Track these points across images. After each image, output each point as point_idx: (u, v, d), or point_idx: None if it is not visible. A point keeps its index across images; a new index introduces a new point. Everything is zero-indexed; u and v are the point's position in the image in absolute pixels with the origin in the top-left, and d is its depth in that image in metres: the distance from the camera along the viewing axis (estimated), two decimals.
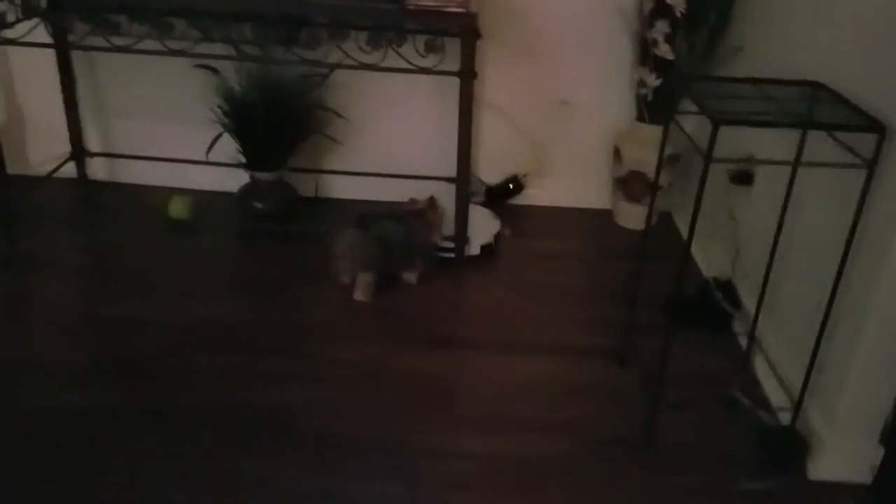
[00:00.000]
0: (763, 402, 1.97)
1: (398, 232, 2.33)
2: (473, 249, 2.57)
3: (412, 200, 2.47)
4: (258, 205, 2.68)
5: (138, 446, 1.74)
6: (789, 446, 1.78)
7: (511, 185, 2.94)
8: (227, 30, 2.41)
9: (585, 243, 2.75)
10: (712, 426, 1.89)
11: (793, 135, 1.81)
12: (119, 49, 2.34)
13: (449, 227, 2.51)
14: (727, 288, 2.29)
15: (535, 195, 2.98)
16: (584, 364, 2.10)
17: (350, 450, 1.76)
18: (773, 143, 2.06)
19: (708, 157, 1.56)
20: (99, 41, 2.36)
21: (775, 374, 1.96)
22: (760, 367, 2.07)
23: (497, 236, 2.66)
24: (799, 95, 1.74)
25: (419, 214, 2.43)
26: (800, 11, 2.06)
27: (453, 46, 2.32)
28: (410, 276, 2.42)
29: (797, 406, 1.79)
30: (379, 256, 2.30)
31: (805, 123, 1.68)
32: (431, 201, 2.46)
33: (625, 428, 1.87)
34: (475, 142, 2.80)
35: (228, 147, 2.69)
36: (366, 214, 2.35)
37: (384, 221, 2.33)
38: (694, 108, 1.72)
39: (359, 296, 2.30)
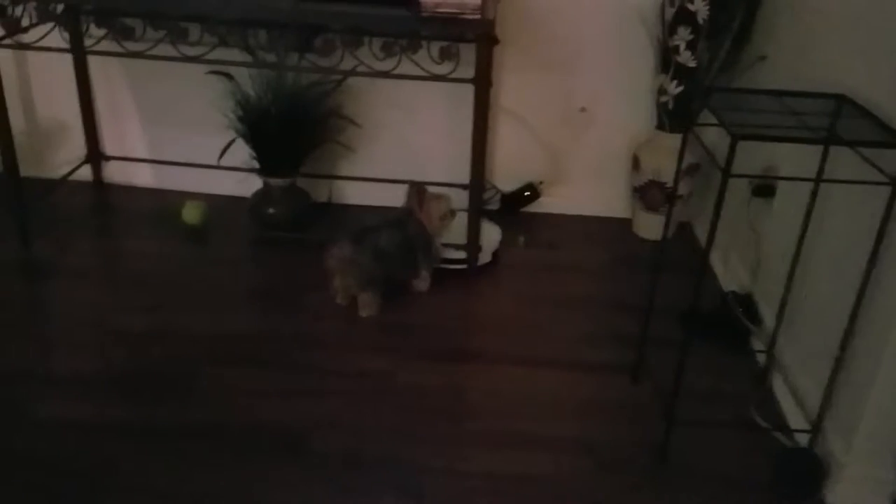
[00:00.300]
0: (780, 423, 1.92)
1: (393, 239, 2.25)
2: (484, 258, 2.53)
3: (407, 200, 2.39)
4: (271, 210, 2.66)
5: (143, 464, 1.72)
6: (807, 470, 1.73)
7: (527, 193, 2.90)
8: (242, 36, 2.39)
9: (601, 253, 2.70)
10: (727, 446, 1.84)
11: (816, 147, 1.76)
12: (134, 54, 2.33)
13: (461, 235, 2.47)
14: (746, 302, 2.24)
15: (552, 203, 2.94)
16: (597, 378, 2.06)
17: (358, 467, 1.74)
18: (797, 155, 2.00)
19: (726, 172, 1.51)
20: (114, 46, 2.36)
21: (793, 394, 1.91)
22: (778, 386, 2.01)
23: (498, 248, 2.59)
24: (822, 108, 1.69)
25: (409, 213, 2.34)
26: (825, 21, 2.00)
27: (469, 52, 2.28)
28: (420, 284, 2.38)
29: (816, 428, 1.74)
30: (377, 270, 2.23)
31: (827, 139, 1.63)
32: (417, 193, 2.34)
33: (638, 446, 1.82)
34: (491, 148, 2.76)
35: (242, 152, 2.68)
36: (358, 227, 2.26)
37: (377, 232, 2.24)
38: (713, 118, 1.69)
39: (364, 313, 2.26)
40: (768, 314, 2.15)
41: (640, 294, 2.43)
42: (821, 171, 1.79)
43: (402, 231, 2.29)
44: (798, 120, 1.60)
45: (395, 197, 2.85)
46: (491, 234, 2.64)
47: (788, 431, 1.87)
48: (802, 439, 1.81)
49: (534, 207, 2.93)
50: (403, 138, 2.85)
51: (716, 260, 2.59)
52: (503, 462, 1.77)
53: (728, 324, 2.22)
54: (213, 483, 1.68)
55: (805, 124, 1.59)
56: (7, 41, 2.33)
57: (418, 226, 2.33)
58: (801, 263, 1.91)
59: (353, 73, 2.35)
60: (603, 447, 1.82)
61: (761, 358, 2.11)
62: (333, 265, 2.23)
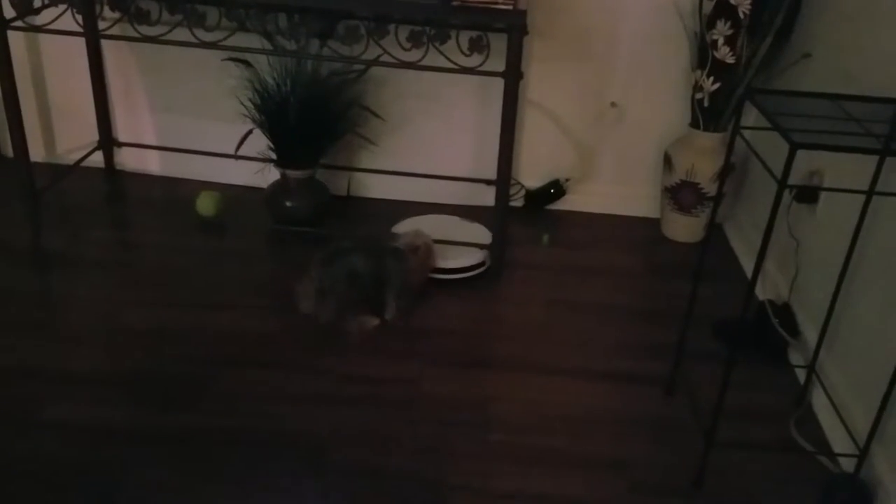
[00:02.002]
0: (823, 445, 1.82)
1: (368, 267, 2.11)
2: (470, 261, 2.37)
3: (401, 236, 2.26)
4: (288, 203, 2.56)
5: (153, 471, 1.64)
6: (852, 498, 1.63)
7: (552, 190, 2.80)
8: (262, 21, 2.30)
9: (630, 255, 2.60)
10: (765, 469, 1.75)
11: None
12: (149, 39, 2.24)
13: (485, 236, 2.38)
14: (784, 313, 2.13)
15: (578, 201, 2.83)
16: (629, 391, 1.97)
17: (378, 482, 1.65)
18: (843, 161, 1.90)
19: (782, 183, 1.41)
20: (129, 30, 2.26)
21: (838, 414, 1.81)
22: (820, 406, 1.91)
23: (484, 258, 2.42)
24: (881, 114, 1.57)
25: (399, 253, 2.18)
26: (877, 16, 1.89)
27: (497, 43, 2.18)
28: (386, 312, 2.18)
29: (862, 453, 1.65)
30: (352, 296, 2.10)
31: (890, 150, 1.52)
32: (423, 244, 2.23)
33: (673, 467, 1.73)
34: (516, 143, 2.66)
35: (259, 142, 2.59)
36: (333, 248, 2.14)
37: (353, 255, 2.11)
38: (753, 117, 1.59)
39: (352, 336, 2.09)
40: (808, 326, 2.05)
41: (669, 299, 2.35)
42: (875, 181, 1.68)
43: (379, 263, 2.13)
44: (856, 126, 1.49)
45: (416, 191, 2.77)
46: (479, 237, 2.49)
47: (832, 455, 1.77)
48: (848, 464, 1.71)
49: (559, 205, 2.83)
50: (426, 131, 2.75)
51: (750, 266, 2.49)
52: (531, 480, 1.68)
53: (764, 335, 2.12)
54: (225, 494, 1.59)
55: (866, 131, 1.48)
56: (18, 23, 2.24)
57: (402, 267, 2.16)
58: (847, 275, 1.80)
59: (377, 62, 2.24)
60: (636, 467, 1.73)
61: (800, 373, 2.01)
62: (309, 288, 2.10)
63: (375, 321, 2.13)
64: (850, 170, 1.89)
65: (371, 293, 2.14)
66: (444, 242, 2.36)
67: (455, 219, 2.59)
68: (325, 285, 2.09)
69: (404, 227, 2.46)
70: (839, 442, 1.79)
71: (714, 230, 2.73)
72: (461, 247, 2.38)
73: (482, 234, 2.47)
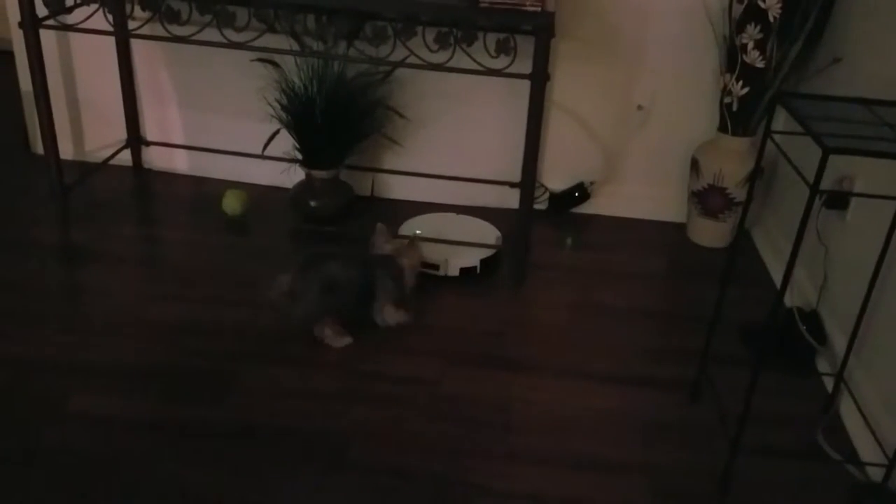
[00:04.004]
0: (850, 454, 1.79)
1: (346, 275, 2.02)
2: (451, 270, 2.35)
3: (388, 240, 2.19)
4: (312, 203, 2.58)
5: (175, 465, 1.65)
6: None
7: (577, 193, 2.78)
8: (290, 22, 2.31)
9: (655, 260, 2.58)
10: (792, 477, 1.73)
11: None
12: (179, 39, 2.26)
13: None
14: (812, 319, 2.11)
15: (603, 204, 2.82)
16: (653, 395, 1.95)
17: (399, 481, 1.65)
18: (874, 166, 1.87)
19: (814, 188, 1.39)
20: (159, 29, 2.28)
21: (866, 422, 1.78)
22: (848, 414, 1.88)
23: (494, 255, 2.41)
24: None
25: (388, 260, 2.13)
26: None
27: (524, 45, 2.17)
28: (387, 319, 2.12)
29: (891, 463, 1.62)
30: (322, 305, 2.00)
31: None
32: (409, 244, 2.17)
33: (697, 473, 1.72)
34: (540, 145, 2.65)
35: (285, 143, 2.60)
36: (314, 253, 2.05)
37: (330, 263, 2.01)
38: (782, 121, 1.56)
39: (338, 344, 2.04)
40: (836, 334, 2.03)
41: (694, 304, 2.33)
42: None
43: (362, 267, 2.06)
44: (888, 131, 1.47)
45: (439, 193, 2.77)
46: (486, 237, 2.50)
47: (860, 464, 1.75)
48: (876, 473, 1.69)
49: (583, 208, 2.82)
50: (451, 132, 2.75)
51: (777, 272, 2.46)
52: (552, 482, 1.67)
53: (791, 341, 2.09)
54: (246, 489, 1.60)
55: None
56: (50, 21, 2.27)
57: (388, 272, 2.11)
58: (877, 282, 1.78)
59: (404, 64, 2.25)
60: (660, 472, 1.72)
61: (828, 381, 1.98)
62: (277, 293, 2.02)
63: (348, 339, 2.05)
64: (882, 175, 1.87)
65: (349, 303, 2.04)
66: (451, 242, 2.37)
67: (454, 215, 2.64)
68: (296, 288, 2.00)
69: (407, 225, 2.49)
70: (867, 451, 1.77)
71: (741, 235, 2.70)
72: (469, 244, 2.41)
73: (489, 231, 2.52)
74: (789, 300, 2.28)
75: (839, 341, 1.98)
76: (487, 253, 2.40)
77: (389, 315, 2.12)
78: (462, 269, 2.36)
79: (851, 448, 1.81)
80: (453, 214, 2.64)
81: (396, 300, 2.12)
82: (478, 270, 2.38)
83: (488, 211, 2.73)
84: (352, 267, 2.04)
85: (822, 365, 2.05)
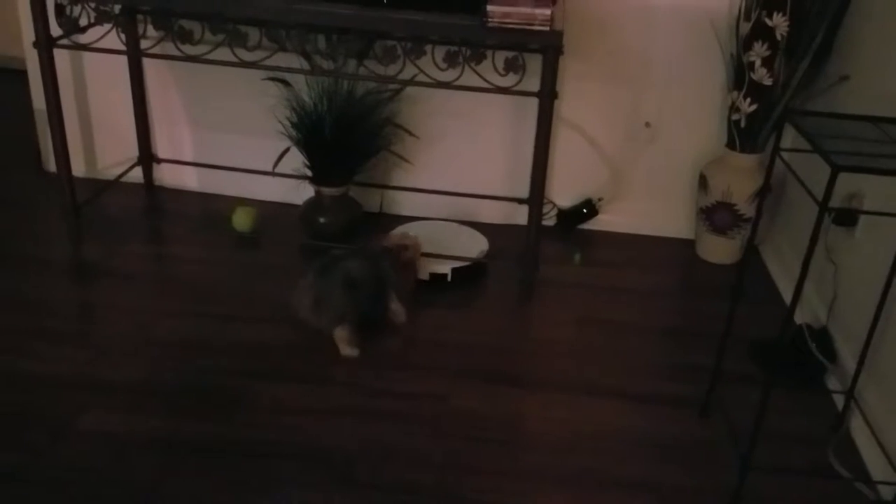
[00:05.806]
0: (861, 472, 1.78)
1: (364, 271, 2.08)
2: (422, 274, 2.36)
3: (388, 237, 2.26)
4: (322, 219, 2.59)
5: (184, 483, 1.65)
6: None
7: (585, 210, 2.79)
8: (301, 41, 2.33)
9: (664, 276, 2.58)
10: (802, 495, 1.72)
11: None
12: (191, 58, 2.29)
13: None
14: (822, 336, 2.10)
15: (611, 221, 2.83)
16: (662, 413, 1.95)
17: (408, 497, 1.65)
18: (883, 183, 1.87)
19: (823, 206, 1.39)
20: (171, 48, 2.31)
21: (877, 440, 1.77)
22: (858, 432, 1.88)
23: (480, 260, 2.44)
24: None
25: (390, 253, 2.18)
26: None
27: (532, 63, 2.19)
28: (398, 316, 2.18)
29: None
30: (349, 303, 2.06)
31: None
32: (411, 243, 2.23)
33: (707, 490, 1.71)
34: (548, 162, 2.66)
35: (295, 160, 2.62)
36: (328, 257, 2.11)
37: (346, 262, 2.08)
38: (790, 138, 1.57)
39: (346, 352, 2.08)
40: (846, 352, 2.02)
41: (703, 321, 2.33)
42: None
43: (374, 265, 2.12)
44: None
45: (448, 209, 2.78)
46: (473, 245, 2.53)
47: (871, 482, 1.74)
48: (887, 492, 1.68)
49: (591, 225, 2.83)
50: (460, 149, 2.76)
51: (786, 289, 2.46)
52: (560, 499, 1.67)
53: (800, 358, 2.09)
54: None
55: None
56: (64, 41, 2.30)
57: (396, 265, 2.17)
58: (888, 300, 1.77)
59: (413, 82, 2.27)
60: (670, 491, 1.71)
61: (838, 399, 1.98)
62: (303, 302, 2.07)
63: (356, 352, 2.07)
64: (890, 192, 1.87)
65: (370, 298, 2.11)
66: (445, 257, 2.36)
67: (449, 224, 2.67)
68: (322, 294, 2.06)
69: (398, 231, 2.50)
70: (878, 469, 1.76)
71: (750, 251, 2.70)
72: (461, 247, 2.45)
73: (479, 240, 2.55)
74: (799, 317, 2.28)
75: (849, 359, 1.98)
76: (462, 263, 2.41)
77: (397, 309, 2.17)
78: (432, 275, 2.38)
79: (862, 466, 1.81)
80: (444, 222, 2.68)
81: (398, 294, 2.16)
82: (449, 279, 2.39)
83: (496, 227, 2.74)
84: (365, 262, 2.10)
85: (833, 382, 2.05)
